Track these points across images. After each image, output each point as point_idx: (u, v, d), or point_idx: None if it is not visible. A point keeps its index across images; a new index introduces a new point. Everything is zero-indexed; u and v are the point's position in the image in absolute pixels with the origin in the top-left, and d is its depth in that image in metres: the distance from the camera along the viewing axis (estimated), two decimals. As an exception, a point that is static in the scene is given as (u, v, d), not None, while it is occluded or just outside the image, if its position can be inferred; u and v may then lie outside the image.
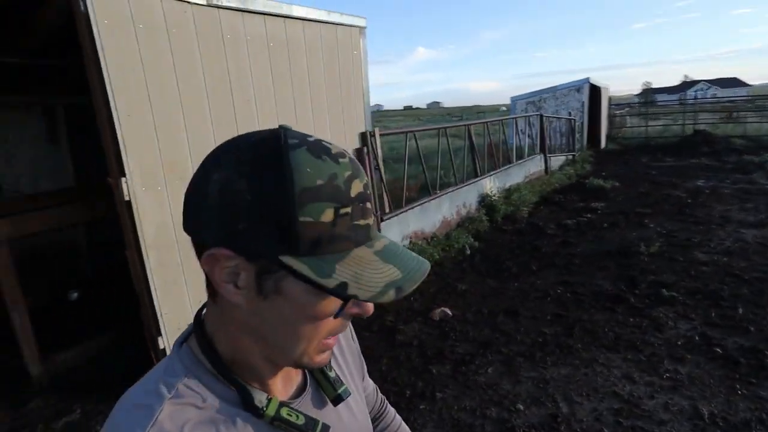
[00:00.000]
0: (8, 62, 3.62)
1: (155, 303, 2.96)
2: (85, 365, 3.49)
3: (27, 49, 3.59)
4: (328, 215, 0.45)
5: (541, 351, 3.26)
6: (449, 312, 3.86)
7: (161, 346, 3.01)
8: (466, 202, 6.69)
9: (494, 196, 7.17)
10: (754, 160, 11.59)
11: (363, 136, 4.61)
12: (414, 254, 0.52)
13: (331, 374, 0.64)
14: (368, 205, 0.49)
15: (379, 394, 0.92)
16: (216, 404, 0.52)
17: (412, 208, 5.39)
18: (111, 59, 2.66)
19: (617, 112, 20.05)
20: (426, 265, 0.50)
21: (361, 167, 0.50)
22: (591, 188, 9.15)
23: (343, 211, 0.46)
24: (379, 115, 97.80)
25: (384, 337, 3.57)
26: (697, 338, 3.37)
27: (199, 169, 0.49)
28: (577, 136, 13.76)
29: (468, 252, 5.70)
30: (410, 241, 5.37)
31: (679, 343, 3.32)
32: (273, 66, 3.65)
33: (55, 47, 3.92)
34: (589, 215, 7.18)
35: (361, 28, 4.50)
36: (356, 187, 0.47)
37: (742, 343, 3.25)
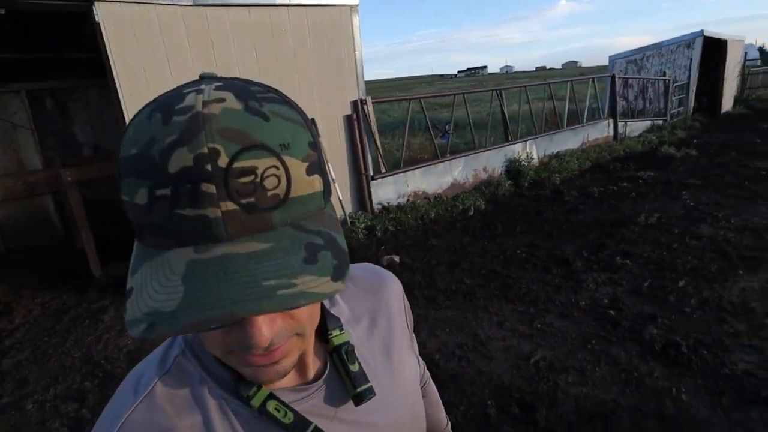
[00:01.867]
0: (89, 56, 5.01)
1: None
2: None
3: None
4: (142, 196, 0.35)
5: (446, 296, 3.73)
6: (397, 259, 4.44)
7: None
8: (488, 166, 6.89)
9: (523, 161, 7.21)
10: None
11: (354, 104, 5.24)
12: (266, 286, 0.34)
13: (353, 368, 0.54)
14: (206, 188, 0.33)
15: (426, 371, 0.85)
16: (209, 384, 0.48)
17: (412, 169, 5.89)
18: (116, 54, 3.72)
19: (760, 68, 16.97)
20: (248, 307, 0.33)
21: (215, 129, 0.34)
22: (659, 157, 8.47)
23: (159, 192, 0.34)
24: (504, 77, 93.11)
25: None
26: (605, 301, 3.51)
27: None
28: (676, 98, 12.29)
29: (471, 213, 6.05)
30: (408, 200, 5.91)
31: (582, 303, 3.51)
32: (257, 50, 4.46)
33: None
34: (626, 184, 6.86)
35: (353, 6, 5.04)
36: (180, 160, 0.33)
37: (643, 311, 3.34)
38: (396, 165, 6.00)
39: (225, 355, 0.43)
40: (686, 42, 12.54)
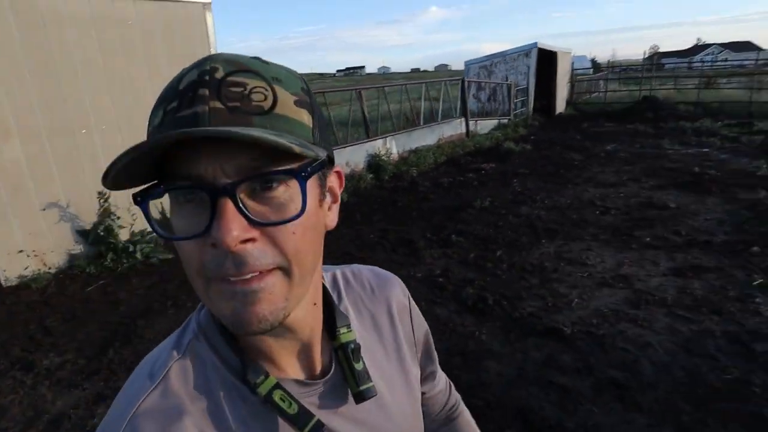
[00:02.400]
0: None
1: (-16, 233, 3.80)
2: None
3: None
4: (159, 117, 0.41)
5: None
6: (258, 250, 4.65)
7: (-8, 267, 3.87)
8: (351, 161, 7.37)
9: (383, 156, 7.82)
10: (686, 125, 12.00)
11: (212, 101, 5.29)
12: (221, 128, 0.37)
13: (358, 366, 0.55)
14: (201, 91, 0.40)
15: (453, 393, 0.86)
16: (221, 370, 0.49)
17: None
18: None
19: (585, 77, 20.09)
20: (199, 131, 0.36)
21: (220, 58, 0.42)
22: (501, 151, 9.73)
23: (170, 107, 0.40)
24: (381, 78, 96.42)
25: (156, 270, 4.41)
26: (437, 272, 4.13)
27: None
28: (519, 100, 14.13)
29: (335, 205, 6.44)
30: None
31: (419, 275, 4.09)
32: (101, 41, 4.32)
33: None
34: (471, 175, 7.83)
35: (206, 4, 5.09)
36: (188, 77, 0.41)
37: (466, 277, 4.00)
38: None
39: (206, 289, 0.42)
40: (525, 52, 14.43)
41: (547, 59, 15.24)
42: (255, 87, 0.40)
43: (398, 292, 0.69)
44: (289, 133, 0.41)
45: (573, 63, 18.36)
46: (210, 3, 5.12)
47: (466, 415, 0.85)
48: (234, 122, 0.39)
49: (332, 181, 0.51)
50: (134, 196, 0.41)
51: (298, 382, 0.53)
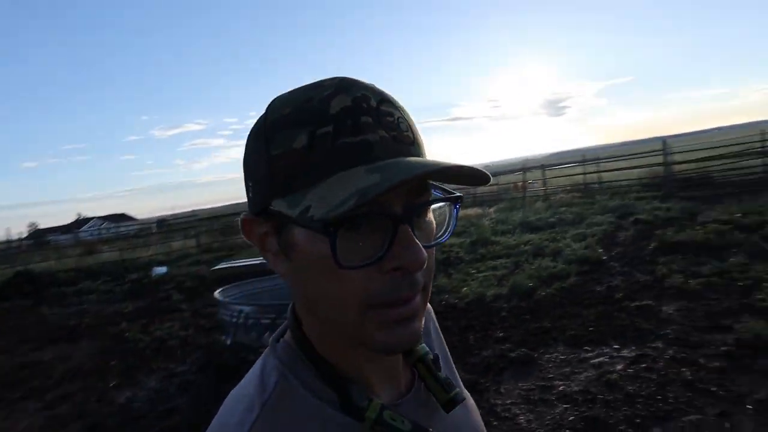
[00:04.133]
0: None
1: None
2: None
3: None
4: (300, 141, 0.41)
5: None
6: None
7: None
8: None
9: None
10: (68, 289, 12.65)
11: None
12: (443, 163, 0.41)
13: (441, 374, 0.55)
14: (365, 119, 0.41)
15: None
16: (315, 405, 0.46)
17: None
18: None
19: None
20: (439, 166, 0.40)
21: (361, 85, 0.43)
22: None
23: (321, 131, 0.40)
24: None
25: None
26: None
27: None
28: None
29: None
30: None
31: None
32: None
33: None
34: None
35: None
36: (339, 102, 0.41)
37: None
38: None
39: (360, 317, 0.42)
40: None
41: None
42: (399, 117, 0.44)
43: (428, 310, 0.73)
44: None
45: None
46: None
47: None
48: (400, 151, 0.42)
49: None
50: (327, 225, 0.38)
51: (389, 405, 0.50)
